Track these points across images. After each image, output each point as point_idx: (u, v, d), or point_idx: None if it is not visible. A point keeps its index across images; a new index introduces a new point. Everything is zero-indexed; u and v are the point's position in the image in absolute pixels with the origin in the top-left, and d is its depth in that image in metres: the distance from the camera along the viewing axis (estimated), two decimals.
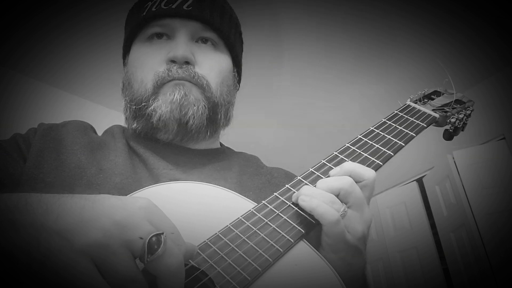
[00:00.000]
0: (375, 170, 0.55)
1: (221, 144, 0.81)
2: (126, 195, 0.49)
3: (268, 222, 0.48)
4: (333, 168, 0.54)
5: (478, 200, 2.58)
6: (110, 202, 0.36)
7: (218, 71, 0.71)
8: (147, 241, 0.33)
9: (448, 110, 0.68)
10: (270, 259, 0.43)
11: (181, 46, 0.68)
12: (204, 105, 0.67)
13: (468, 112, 0.70)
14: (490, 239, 2.43)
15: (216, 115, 0.70)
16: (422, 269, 2.83)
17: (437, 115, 0.66)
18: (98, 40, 2.39)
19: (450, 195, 2.76)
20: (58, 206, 0.35)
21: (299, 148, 3.60)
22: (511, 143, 2.70)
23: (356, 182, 0.50)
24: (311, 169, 0.55)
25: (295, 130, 3.49)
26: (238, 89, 0.81)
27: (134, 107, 0.68)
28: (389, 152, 0.58)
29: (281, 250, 0.44)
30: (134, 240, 0.33)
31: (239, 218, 0.48)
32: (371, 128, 0.62)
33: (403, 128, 0.62)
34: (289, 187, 0.53)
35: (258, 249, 0.44)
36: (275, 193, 0.52)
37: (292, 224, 0.48)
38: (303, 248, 0.46)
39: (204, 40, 0.72)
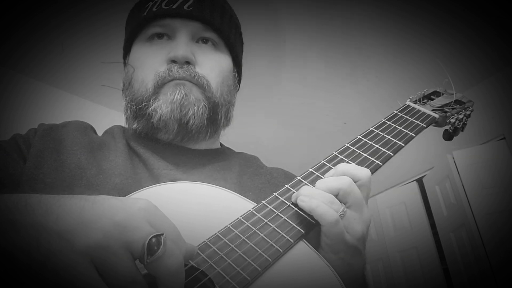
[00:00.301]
0: (375, 170, 0.55)
1: (221, 144, 0.81)
2: (126, 195, 0.49)
3: (268, 222, 0.48)
4: (332, 168, 0.54)
5: (478, 200, 2.58)
6: (110, 203, 0.36)
7: (219, 71, 0.71)
8: (146, 242, 0.33)
9: (447, 110, 0.68)
10: (270, 259, 0.43)
11: (181, 46, 0.68)
12: (205, 105, 0.67)
13: (468, 112, 0.70)
14: (490, 239, 2.43)
15: (217, 115, 0.70)
16: (422, 269, 2.83)
17: (436, 116, 0.67)
18: (98, 40, 2.39)
19: (450, 195, 2.76)
20: (58, 207, 0.35)
21: (299, 148, 3.60)
22: (511, 143, 2.70)
23: None
24: (310, 169, 0.55)
25: (295, 130, 3.49)
26: (238, 89, 0.81)
27: (134, 107, 0.69)
28: (388, 152, 0.58)
29: (280, 250, 0.44)
30: (134, 241, 0.33)
31: (238, 218, 0.48)
32: (371, 128, 0.62)
33: (402, 128, 0.62)
34: (288, 187, 0.53)
35: (258, 249, 0.44)
36: (274, 193, 0.52)
37: (291, 224, 0.48)
38: (303, 248, 0.46)
39: (205, 40, 0.72)
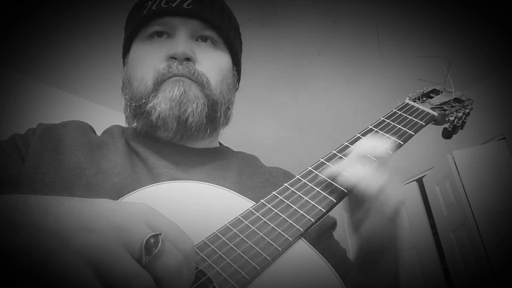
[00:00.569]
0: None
1: (220, 143, 0.81)
2: (125, 194, 0.49)
3: (267, 221, 0.47)
4: (331, 167, 0.54)
5: (478, 200, 2.58)
6: (108, 206, 0.36)
7: (218, 69, 0.71)
8: (144, 241, 0.33)
9: (447, 108, 0.67)
10: (269, 258, 0.43)
11: (181, 43, 0.68)
12: (204, 103, 0.67)
13: (467, 110, 0.70)
14: (490, 239, 2.43)
15: (216, 113, 0.70)
16: (422, 269, 2.83)
17: (435, 114, 0.66)
18: (98, 40, 2.39)
19: (450, 195, 2.76)
20: (57, 207, 0.35)
21: (298, 148, 3.60)
22: (511, 143, 2.70)
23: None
24: (309, 168, 0.55)
25: (295, 130, 3.49)
26: (237, 89, 0.81)
27: (134, 104, 0.69)
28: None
29: (279, 249, 0.44)
30: (132, 242, 0.33)
31: (237, 217, 0.48)
32: (370, 126, 0.62)
33: (401, 126, 0.62)
34: (287, 186, 0.53)
35: (257, 248, 0.44)
36: (273, 192, 0.52)
37: (290, 222, 0.48)
38: (302, 247, 0.46)
39: (204, 39, 0.72)
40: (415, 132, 0.61)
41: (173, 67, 0.66)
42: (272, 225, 0.47)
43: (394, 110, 0.66)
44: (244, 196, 0.53)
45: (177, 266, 0.34)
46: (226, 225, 0.46)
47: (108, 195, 0.55)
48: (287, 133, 3.53)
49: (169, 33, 0.71)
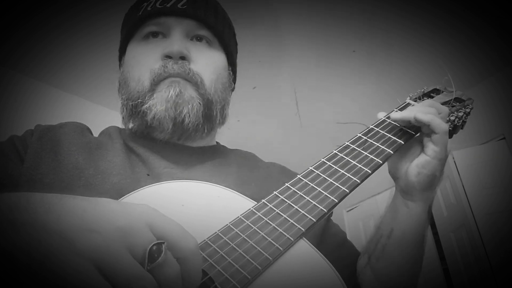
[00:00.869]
0: (374, 170, 0.55)
1: (216, 142, 0.81)
2: (125, 194, 0.50)
3: (268, 220, 0.48)
4: (333, 167, 0.55)
5: (478, 200, 2.58)
6: (112, 207, 0.36)
7: (213, 68, 0.71)
8: (148, 249, 0.33)
9: (447, 108, 0.68)
10: (270, 258, 0.43)
11: (176, 42, 0.68)
12: (199, 102, 0.67)
13: (468, 110, 0.70)
14: (490, 239, 2.43)
15: (211, 111, 0.70)
16: (422, 269, 2.82)
17: None
18: (98, 40, 2.39)
19: (450, 195, 2.76)
20: (60, 207, 0.34)
21: (298, 148, 3.60)
22: (511, 143, 2.70)
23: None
24: (311, 168, 0.55)
25: (295, 130, 3.49)
26: (233, 89, 0.81)
27: (131, 103, 0.69)
28: (388, 150, 0.58)
29: (281, 248, 0.44)
30: (135, 246, 0.33)
31: (239, 217, 0.48)
32: (371, 126, 0.63)
33: (402, 126, 0.62)
34: (288, 185, 0.53)
35: (258, 248, 0.44)
36: (274, 192, 0.52)
37: (291, 222, 0.48)
38: (303, 247, 0.46)
39: (199, 38, 0.72)
40: (416, 132, 0.62)
41: (168, 66, 0.66)
42: (274, 225, 0.47)
43: (395, 109, 0.66)
44: (246, 189, 0.53)
45: (175, 277, 0.34)
46: (227, 225, 0.46)
47: (108, 195, 0.55)
48: (287, 133, 3.53)
49: (164, 33, 0.71)
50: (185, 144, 0.71)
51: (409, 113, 0.60)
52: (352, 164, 0.56)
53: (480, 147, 2.75)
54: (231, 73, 0.79)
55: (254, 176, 0.70)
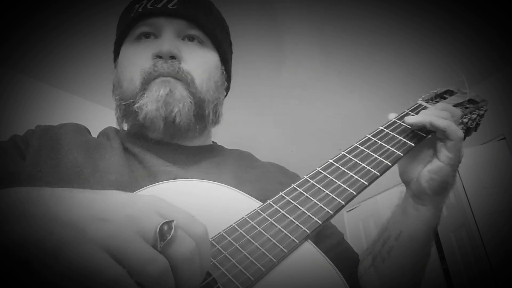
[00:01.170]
0: (384, 171, 0.55)
1: (213, 142, 0.81)
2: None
3: (273, 222, 0.47)
4: (341, 169, 0.54)
5: (478, 200, 2.58)
6: (120, 197, 0.37)
7: (205, 67, 0.72)
8: (158, 228, 0.33)
9: (461, 110, 0.67)
10: (274, 260, 0.43)
11: (166, 41, 0.69)
12: (190, 101, 0.68)
13: (482, 112, 0.69)
14: (490, 239, 2.43)
15: (204, 111, 0.70)
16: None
17: None
18: (98, 40, 2.39)
19: (450, 195, 2.74)
20: (70, 198, 0.35)
21: (298, 148, 3.60)
22: (511, 143, 2.70)
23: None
24: (318, 169, 0.55)
25: (295, 130, 3.49)
26: (228, 88, 0.81)
27: (123, 103, 0.70)
28: (398, 152, 0.57)
29: (285, 250, 0.44)
30: (146, 230, 0.34)
31: (244, 217, 0.48)
32: (381, 127, 0.61)
33: (413, 128, 0.60)
34: (295, 186, 0.52)
35: (262, 249, 0.44)
36: (280, 193, 0.51)
37: (296, 223, 0.47)
38: (307, 248, 0.46)
39: (191, 38, 0.73)
40: (427, 134, 0.60)
41: (158, 65, 0.67)
42: (279, 226, 0.47)
43: (407, 111, 0.64)
44: (242, 188, 0.53)
45: (191, 252, 0.34)
46: (232, 225, 0.46)
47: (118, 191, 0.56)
48: (287, 133, 3.53)
49: (155, 33, 0.72)
50: (181, 143, 0.72)
51: (424, 118, 0.59)
52: (360, 166, 0.54)
53: (480, 147, 2.75)
54: (225, 72, 0.79)
55: (250, 176, 0.70)
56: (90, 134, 0.73)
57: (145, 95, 0.66)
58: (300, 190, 0.52)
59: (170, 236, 0.33)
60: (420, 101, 0.67)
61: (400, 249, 0.63)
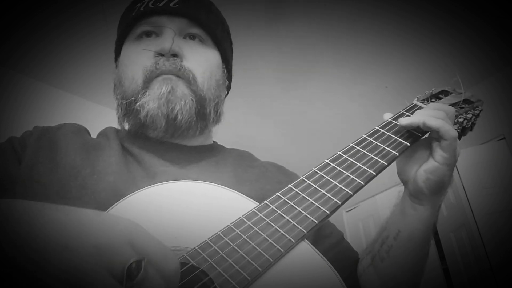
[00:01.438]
0: (380, 171, 0.55)
1: (213, 141, 0.81)
2: (120, 193, 0.50)
3: (270, 222, 0.47)
4: (337, 169, 0.54)
5: (478, 200, 2.58)
6: (93, 222, 0.34)
7: (206, 65, 0.72)
8: (126, 267, 0.31)
9: (456, 109, 0.67)
10: (271, 259, 0.43)
11: (168, 40, 0.69)
12: (192, 99, 0.67)
13: (477, 112, 0.69)
14: (490, 239, 2.43)
15: (205, 109, 0.70)
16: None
17: None
18: (98, 40, 2.39)
19: (450, 195, 2.76)
20: (41, 219, 0.33)
21: (298, 148, 3.60)
22: (511, 143, 2.70)
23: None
24: (314, 169, 0.55)
25: (295, 130, 3.49)
26: (229, 87, 0.81)
27: (125, 102, 0.69)
28: (394, 152, 0.57)
29: (282, 250, 0.44)
30: (113, 263, 0.32)
31: (240, 217, 0.48)
32: (376, 127, 0.61)
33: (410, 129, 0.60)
34: (291, 186, 0.52)
35: (259, 249, 0.44)
36: (277, 193, 0.51)
37: (293, 223, 0.47)
38: (304, 248, 0.46)
39: (192, 37, 0.73)
40: (423, 134, 0.60)
41: (159, 63, 0.67)
42: (275, 226, 0.47)
43: (402, 111, 0.65)
44: (241, 188, 0.53)
45: None
46: (228, 225, 0.46)
47: (103, 194, 0.56)
48: (286, 133, 3.53)
49: (157, 32, 0.72)
50: (181, 143, 0.71)
51: (418, 119, 0.59)
52: (356, 166, 0.55)
53: (480, 147, 2.75)
54: (226, 71, 0.79)
55: (250, 175, 0.70)
56: (89, 135, 0.73)
57: (147, 93, 0.66)
58: (296, 190, 0.52)
59: (138, 277, 0.31)
60: (415, 101, 0.68)
61: (399, 249, 0.63)
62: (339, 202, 0.50)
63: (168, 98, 0.65)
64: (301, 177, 0.54)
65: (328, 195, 0.51)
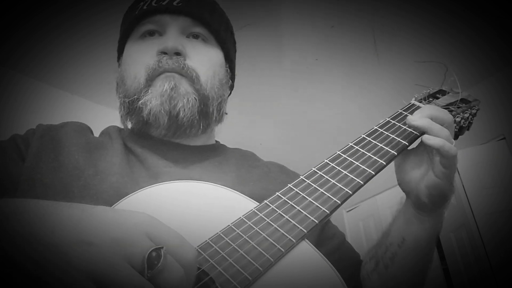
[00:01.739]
0: (379, 170, 0.55)
1: (216, 141, 0.81)
2: (123, 194, 0.50)
3: (270, 221, 0.47)
4: (336, 168, 0.54)
5: (478, 200, 2.58)
6: (108, 217, 0.35)
7: (210, 64, 0.71)
8: (146, 256, 0.32)
9: (453, 109, 0.67)
10: (271, 259, 0.43)
11: (171, 38, 0.69)
12: (195, 98, 0.67)
13: (474, 111, 0.69)
14: (490, 239, 2.43)
15: (208, 108, 0.70)
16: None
17: None
18: (98, 40, 2.39)
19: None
20: (55, 217, 0.34)
21: (298, 148, 3.60)
22: (511, 143, 2.70)
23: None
24: (313, 169, 0.55)
25: (294, 130, 3.49)
26: (232, 86, 0.81)
27: (127, 100, 0.69)
28: (392, 151, 0.57)
29: (282, 250, 0.44)
30: (134, 255, 0.32)
31: (240, 217, 0.48)
32: (375, 127, 0.62)
33: (407, 127, 0.61)
34: (291, 186, 0.53)
35: (260, 249, 0.44)
36: (277, 193, 0.52)
37: (293, 223, 0.47)
38: (305, 248, 0.46)
39: (195, 36, 0.73)
40: (421, 133, 0.60)
41: (163, 61, 0.67)
42: (276, 226, 0.47)
43: (400, 110, 0.65)
44: (245, 187, 0.53)
45: (179, 281, 0.33)
46: (229, 226, 0.46)
47: (106, 195, 0.56)
48: (287, 134, 3.53)
49: (160, 31, 0.72)
50: (183, 142, 0.71)
51: (423, 124, 0.58)
52: (355, 165, 0.55)
53: (480, 147, 2.75)
54: (229, 70, 0.78)
55: (253, 175, 0.70)
56: (92, 133, 0.73)
57: (149, 91, 0.66)
58: (296, 190, 0.52)
59: (159, 265, 0.32)
60: (413, 101, 0.68)
61: (404, 257, 0.63)
62: (339, 202, 0.50)
63: (170, 95, 0.65)
64: (301, 177, 0.54)
65: (328, 194, 0.51)
